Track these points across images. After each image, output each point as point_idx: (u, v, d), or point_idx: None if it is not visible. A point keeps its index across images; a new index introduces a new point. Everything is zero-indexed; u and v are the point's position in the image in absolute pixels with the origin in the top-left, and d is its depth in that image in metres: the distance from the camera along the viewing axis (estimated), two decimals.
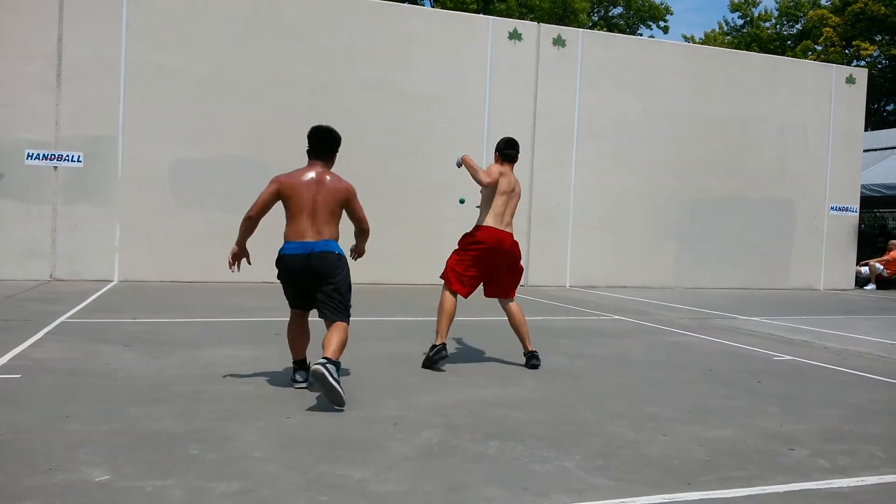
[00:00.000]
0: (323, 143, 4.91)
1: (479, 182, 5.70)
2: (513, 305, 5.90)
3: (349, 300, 4.75)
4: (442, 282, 5.96)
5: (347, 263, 4.80)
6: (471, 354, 6.33)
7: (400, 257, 12.70)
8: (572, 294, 12.35)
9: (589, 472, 3.36)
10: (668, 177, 14.50)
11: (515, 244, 5.83)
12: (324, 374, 4.12)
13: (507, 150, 5.96)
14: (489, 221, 5.73)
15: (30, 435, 3.58)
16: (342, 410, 4.22)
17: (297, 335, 4.93)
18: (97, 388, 4.58)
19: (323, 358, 4.26)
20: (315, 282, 4.65)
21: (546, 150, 13.69)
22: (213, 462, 3.30)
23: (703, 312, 10.16)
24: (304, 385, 4.83)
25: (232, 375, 5.08)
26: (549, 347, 6.78)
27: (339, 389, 4.19)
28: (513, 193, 5.84)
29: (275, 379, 5.03)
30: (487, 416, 4.27)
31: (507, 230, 5.78)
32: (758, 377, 5.76)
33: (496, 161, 6.00)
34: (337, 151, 5.03)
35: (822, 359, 6.72)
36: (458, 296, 5.81)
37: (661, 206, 14.48)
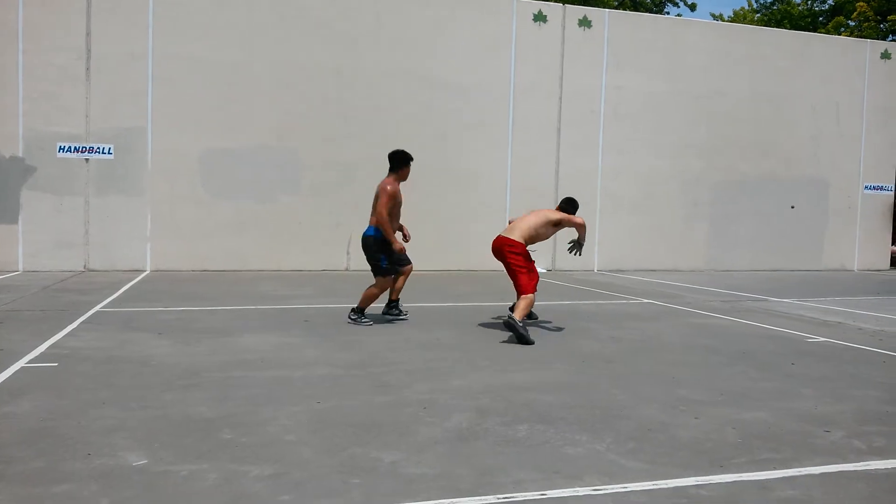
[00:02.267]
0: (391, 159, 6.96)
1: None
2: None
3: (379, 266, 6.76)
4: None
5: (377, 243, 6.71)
6: (499, 339, 6.32)
7: (428, 244, 12.70)
8: (600, 278, 12.27)
9: (621, 455, 3.35)
10: (698, 158, 14.31)
11: (505, 246, 6.55)
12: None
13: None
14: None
15: (68, 421, 3.66)
16: (376, 391, 4.26)
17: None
18: (132, 375, 4.67)
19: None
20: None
21: (572, 133, 13.58)
22: (247, 446, 3.35)
23: (735, 295, 10.03)
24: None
25: (263, 361, 5.14)
26: (579, 331, 6.75)
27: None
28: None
29: (306, 365, 5.08)
30: (517, 399, 4.27)
31: (506, 235, 6.62)
32: (791, 359, 5.68)
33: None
34: (396, 166, 6.91)
35: (857, 340, 6.60)
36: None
37: (691, 188, 14.30)
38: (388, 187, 6.71)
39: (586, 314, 7.90)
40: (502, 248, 6.60)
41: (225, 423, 3.68)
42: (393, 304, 7.23)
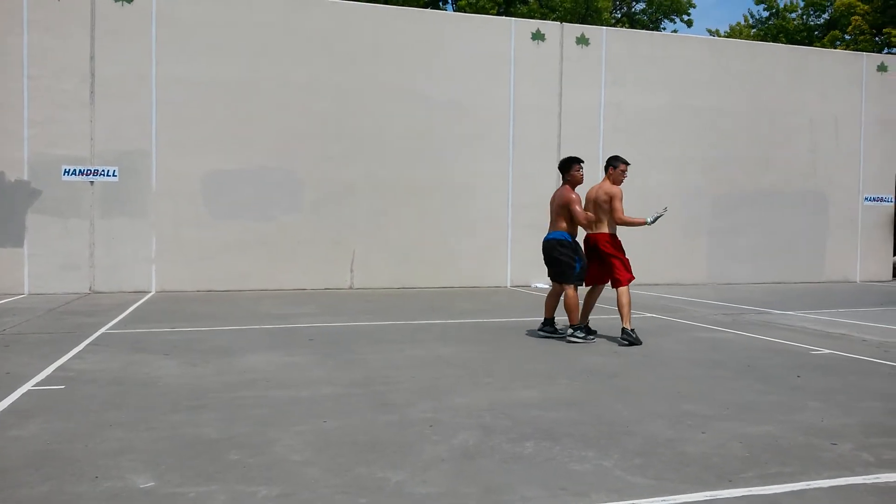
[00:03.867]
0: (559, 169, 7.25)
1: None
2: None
3: (566, 272, 6.92)
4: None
5: (566, 245, 6.91)
6: (502, 355, 6.32)
7: (426, 261, 12.77)
8: (602, 293, 12.24)
9: (628, 471, 3.34)
10: (697, 172, 14.36)
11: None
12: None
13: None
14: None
15: (75, 444, 3.66)
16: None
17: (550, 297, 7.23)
18: (139, 396, 4.67)
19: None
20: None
21: (572, 149, 13.57)
22: (254, 467, 3.35)
23: (738, 308, 10.03)
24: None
25: (268, 381, 5.15)
26: (582, 346, 6.76)
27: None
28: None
29: (311, 384, 5.09)
30: (522, 416, 4.27)
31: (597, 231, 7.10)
32: (796, 372, 5.67)
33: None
34: (566, 171, 7.10)
35: (862, 352, 6.59)
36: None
37: (691, 202, 14.33)
38: (572, 195, 6.93)
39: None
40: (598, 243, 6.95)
41: (232, 443, 3.69)
42: (549, 321, 7.23)
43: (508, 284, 13.25)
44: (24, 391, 4.76)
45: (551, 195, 7.36)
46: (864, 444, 3.80)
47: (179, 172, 11.65)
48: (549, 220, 7.23)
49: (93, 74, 11.32)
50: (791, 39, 35.09)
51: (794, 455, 3.60)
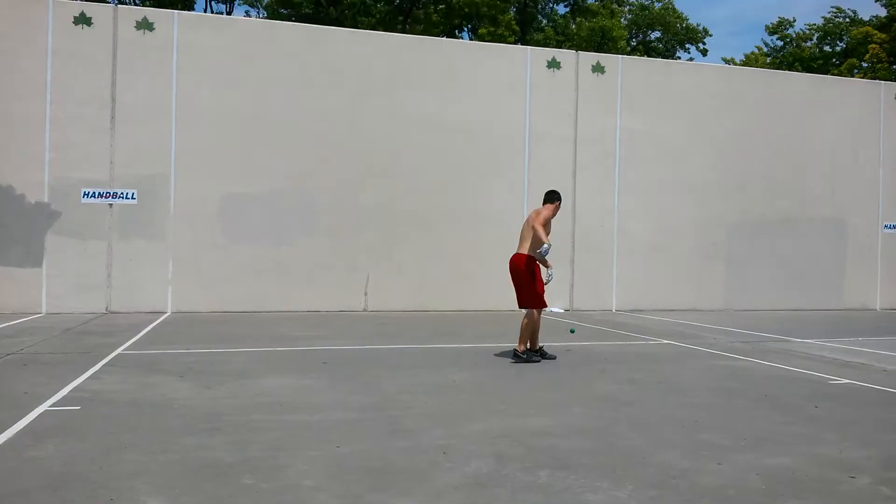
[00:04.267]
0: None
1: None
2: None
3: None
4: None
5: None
6: (516, 382, 6.29)
7: (441, 285, 12.79)
8: (618, 318, 12.19)
9: (642, 503, 3.31)
10: (714, 199, 14.32)
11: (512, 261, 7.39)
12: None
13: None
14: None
15: (90, 466, 3.68)
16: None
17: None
18: (154, 418, 4.70)
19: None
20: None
21: (588, 176, 13.66)
22: (267, 491, 3.35)
23: (755, 335, 9.94)
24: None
25: (282, 405, 5.15)
26: (597, 373, 6.71)
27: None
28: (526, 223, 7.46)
29: (324, 408, 5.09)
30: (536, 444, 4.24)
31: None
32: (814, 402, 5.60)
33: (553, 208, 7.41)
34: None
35: (881, 382, 6.50)
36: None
37: (708, 229, 14.29)
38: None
39: (604, 355, 7.85)
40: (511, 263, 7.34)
41: (245, 467, 3.69)
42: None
43: None
44: (41, 412, 4.80)
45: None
46: (883, 477, 3.74)
47: (197, 196, 11.80)
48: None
49: (114, 100, 11.53)
50: (807, 67, 35.10)
51: (811, 488, 3.55)
